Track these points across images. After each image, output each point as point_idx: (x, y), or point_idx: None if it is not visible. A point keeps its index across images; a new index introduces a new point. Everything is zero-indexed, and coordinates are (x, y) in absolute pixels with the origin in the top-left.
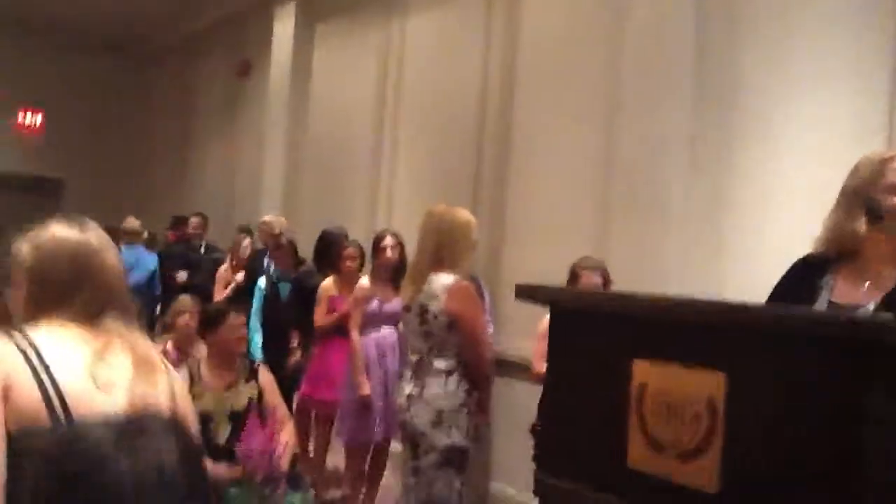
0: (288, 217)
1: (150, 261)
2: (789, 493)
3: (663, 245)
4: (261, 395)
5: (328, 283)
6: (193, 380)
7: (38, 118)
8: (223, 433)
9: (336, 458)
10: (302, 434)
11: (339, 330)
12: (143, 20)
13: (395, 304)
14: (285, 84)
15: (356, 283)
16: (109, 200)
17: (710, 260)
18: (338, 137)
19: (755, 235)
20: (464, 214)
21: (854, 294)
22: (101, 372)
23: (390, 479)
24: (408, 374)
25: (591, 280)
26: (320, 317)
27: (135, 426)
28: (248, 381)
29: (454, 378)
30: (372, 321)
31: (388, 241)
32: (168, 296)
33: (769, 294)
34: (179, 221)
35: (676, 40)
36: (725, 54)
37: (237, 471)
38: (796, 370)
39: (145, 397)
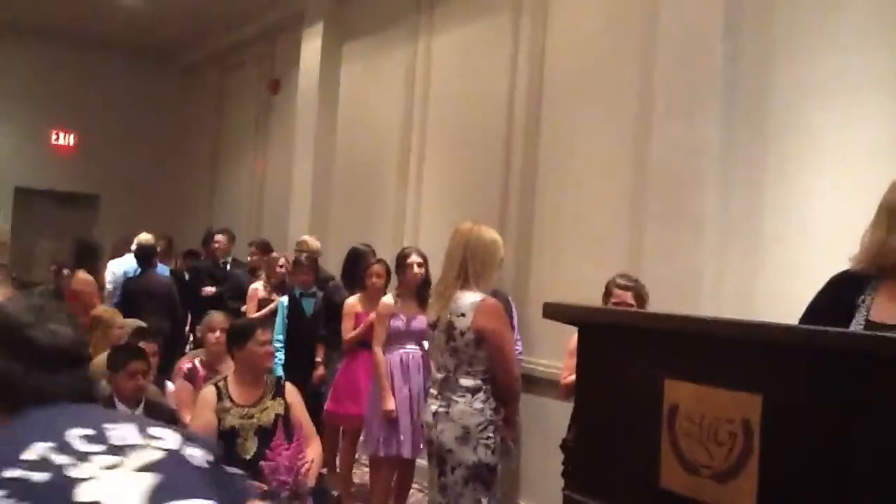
0: (315, 233)
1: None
2: None
3: (697, 259)
4: (287, 411)
5: (353, 299)
6: (221, 396)
7: (72, 137)
8: (250, 449)
9: (363, 474)
10: (328, 449)
11: (365, 345)
12: (174, 38)
13: (420, 321)
14: (313, 100)
15: (381, 299)
16: (143, 215)
17: (744, 274)
18: (365, 153)
19: (790, 249)
20: (490, 232)
21: (894, 312)
22: None
23: (417, 496)
24: (434, 391)
25: (623, 298)
26: (347, 331)
27: None
28: (274, 397)
29: (481, 395)
30: (397, 338)
31: (414, 258)
32: (196, 311)
33: (804, 312)
34: (208, 237)
35: (707, 51)
36: (757, 64)
37: (263, 487)
38: (834, 390)
39: None
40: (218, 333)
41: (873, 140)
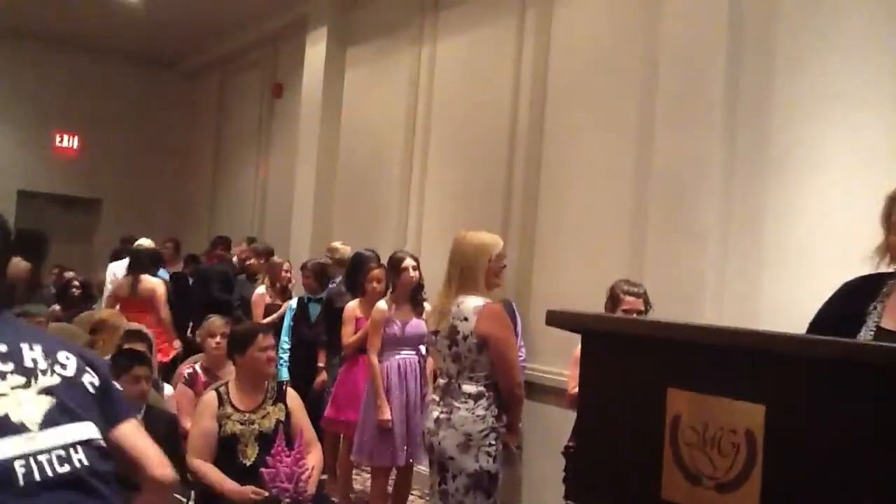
0: (318, 237)
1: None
2: None
3: (698, 267)
4: (288, 417)
5: (354, 304)
6: (222, 401)
7: (75, 140)
8: (251, 455)
9: (363, 480)
10: (328, 455)
11: (365, 351)
12: (178, 42)
13: (416, 325)
14: (317, 105)
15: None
16: (145, 219)
17: (745, 282)
18: (368, 158)
19: (792, 258)
20: (477, 237)
21: None
22: None
23: (418, 502)
24: (436, 397)
25: (635, 306)
26: (347, 337)
27: None
28: (275, 402)
29: (483, 402)
30: (394, 344)
31: (409, 261)
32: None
33: (813, 319)
34: (216, 243)
35: (710, 61)
36: (759, 75)
37: (263, 493)
38: (839, 400)
39: None
40: (218, 339)
41: (874, 150)
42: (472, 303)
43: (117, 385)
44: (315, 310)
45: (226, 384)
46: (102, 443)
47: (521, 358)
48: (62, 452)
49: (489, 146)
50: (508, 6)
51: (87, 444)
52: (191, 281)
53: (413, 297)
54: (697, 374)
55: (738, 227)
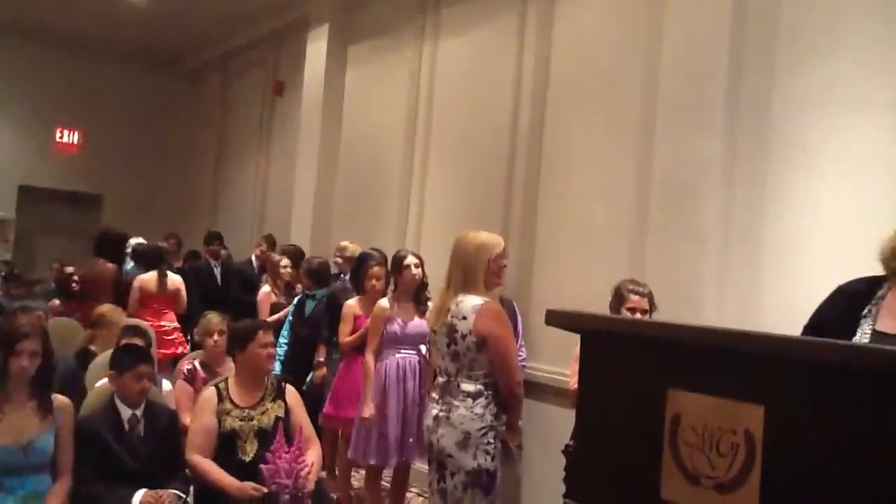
0: (318, 235)
1: None
2: None
3: (699, 267)
4: (288, 413)
5: (353, 302)
6: (221, 397)
7: (76, 136)
8: (250, 451)
9: (362, 477)
10: (327, 452)
11: (364, 348)
12: (180, 40)
13: (418, 325)
14: (318, 104)
15: (377, 303)
16: (146, 215)
17: (746, 284)
18: (369, 157)
19: (792, 259)
20: (479, 236)
21: None
22: None
23: (417, 500)
24: (435, 395)
25: (640, 305)
26: (344, 335)
27: None
28: (275, 399)
29: (482, 400)
30: (394, 342)
31: (411, 259)
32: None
33: (808, 321)
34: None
35: (712, 61)
36: (760, 77)
37: (263, 489)
38: (837, 402)
39: None
40: (216, 336)
41: (875, 153)
42: (470, 302)
43: None
44: (310, 306)
45: (225, 380)
46: None
47: (522, 357)
48: None
49: (490, 145)
50: (510, 6)
51: None
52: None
53: (416, 296)
54: (697, 374)
55: (739, 229)
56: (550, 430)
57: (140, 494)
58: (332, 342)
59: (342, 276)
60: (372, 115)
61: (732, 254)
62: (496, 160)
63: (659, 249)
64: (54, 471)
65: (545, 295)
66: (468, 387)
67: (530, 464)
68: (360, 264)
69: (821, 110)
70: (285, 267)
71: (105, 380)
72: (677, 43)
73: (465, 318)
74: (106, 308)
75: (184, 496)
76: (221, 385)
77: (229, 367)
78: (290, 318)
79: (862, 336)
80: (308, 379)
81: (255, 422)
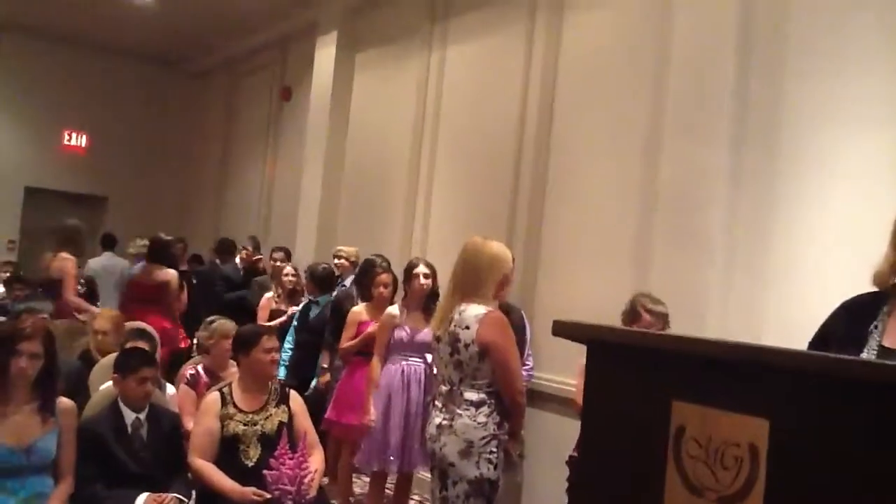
0: (323, 240)
1: None
2: None
3: (704, 277)
4: (291, 419)
5: (359, 308)
6: (225, 402)
7: (83, 139)
8: (253, 456)
9: (363, 483)
10: (329, 458)
11: (368, 354)
12: (187, 43)
13: (426, 333)
14: (325, 110)
15: (386, 309)
16: (151, 217)
17: (751, 294)
18: (375, 164)
19: (798, 270)
20: (493, 247)
21: None
22: None
23: None
24: (438, 403)
25: (655, 328)
26: (346, 340)
27: None
28: (278, 404)
29: (485, 409)
30: (400, 349)
31: (421, 268)
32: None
33: (813, 337)
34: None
35: (719, 71)
36: (768, 85)
37: (265, 495)
38: (843, 417)
39: None
40: (228, 342)
41: (883, 162)
42: (474, 311)
43: None
44: (314, 312)
45: (229, 385)
46: None
47: (529, 367)
48: None
49: (496, 153)
50: (518, 14)
51: None
52: (195, 280)
53: (426, 305)
54: (702, 387)
55: (745, 240)
56: (553, 439)
57: (142, 498)
58: (335, 348)
59: (340, 280)
60: (379, 121)
61: (738, 265)
62: (502, 168)
63: (664, 259)
64: (56, 473)
65: (549, 303)
66: (471, 395)
67: (533, 473)
68: (365, 271)
69: (829, 121)
70: (287, 275)
71: (109, 383)
72: (685, 52)
73: (468, 327)
74: (109, 311)
75: (186, 500)
76: (225, 389)
77: (232, 371)
78: (295, 323)
79: (869, 352)
80: (312, 385)
81: (258, 427)
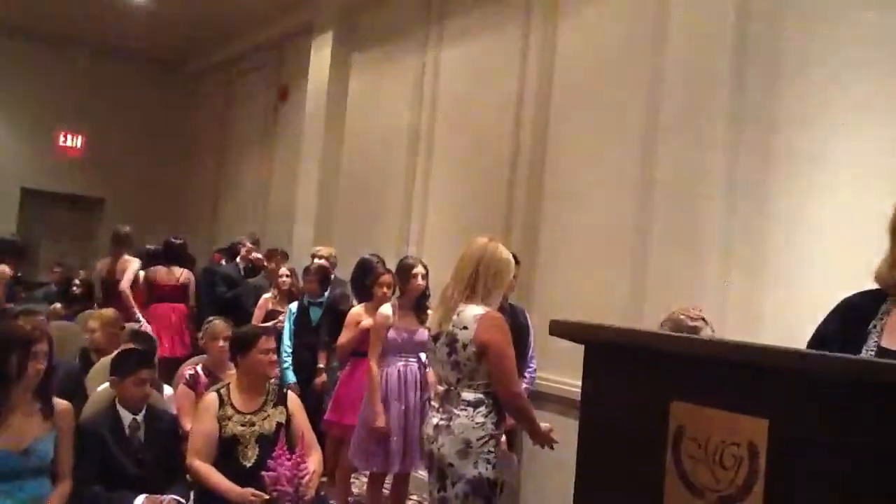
0: (320, 240)
1: None
2: None
3: (701, 277)
4: (289, 419)
5: (359, 308)
6: (222, 402)
7: (79, 140)
8: (251, 457)
9: (361, 484)
10: (327, 459)
11: (359, 354)
12: (184, 43)
13: (420, 333)
14: (321, 110)
15: (378, 310)
16: (148, 218)
17: (748, 293)
18: (372, 164)
19: (795, 269)
20: (505, 251)
21: None
22: None
23: None
24: (436, 404)
25: None
26: (343, 339)
27: None
28: (276, 405)
29: (482, 409)
30: (396, 349)
31: (419, 269)
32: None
33: (812, 336)
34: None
35: (715, 72)
36: (764, 86)
37: (263, 496)
38: (842, 417)
39: None
40: (221, 342)
41: (880, 163)
42: (472, 311)
43: None
44: (316, 314)
45: (227, 385)
46: None
47: (532, 369)
48: None
49: (493, 152)
50: (514, 15)
51: None
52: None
53: (417, 304)
54: (701, 387)
55: (741, 240)
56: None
57: (140, 499)
58: (331, 349)
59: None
60: (375, 121)
61: (734, 264)
62: (499, 167)
63: (661, 259)
64: (54, 475)
65: (546, 303)
66: (468, 395)
67: (533, 476)
68: (365, 271)
69: (824, 121)
70: (281, 276)
71: (107, 384)
72: (680, 53)
73: (465, 327)
74: (107, 311)
75: (184, 501)
76: (223, 390)
77: (231, 373)
78: (292, 325)
79: (867, 351)
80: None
81: (256, 427)
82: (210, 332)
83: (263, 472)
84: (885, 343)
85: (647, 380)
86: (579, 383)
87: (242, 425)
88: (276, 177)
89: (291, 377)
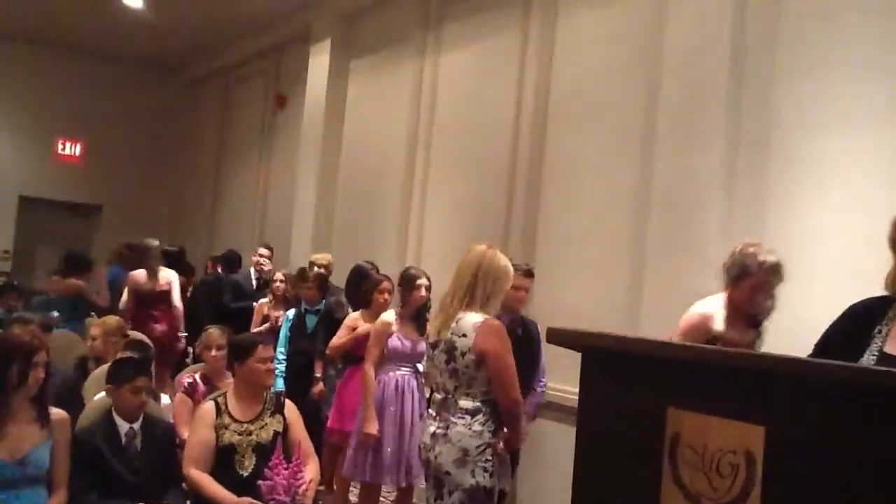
0: (318, 247)
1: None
2: None
3: (698, 284)
4: (286, 428)
5: (356, 315)
6: (219, 411)
7: (77, 147)
8: (248, 466)
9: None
10: (327, 467)
11: (355, 359)
12: (182, 50)
13: (423, 345)
14: (319, 116)
15: (380, 316)
16: (144, 225)
17: None
18: (370, 170)
19: (793, 276)
20: (503, 259)
21: None
22: None
23: None
24: (433, 412)
25: (772, 283)
26: (337, 340)
27: None
28: (273, 413)
29: (480, 417)
30: (395, 359)
31: (424, 280)
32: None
33: (818, 340)
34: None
35: (712, 78)
36: (762, 92)
37: None
38: (839, 424)
39: None
40: (213, 351)
41: (877, 168)
42: (471, 319)
43: None
44: (312, 321)
45: (224, 394)
46: None
47: (542, 383)
48: None
49: (490, 160)
50: (512, 20)
51: None
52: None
53: (419, 315)
54: (697, 393)
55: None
56: (547, 448)
57: None
58: (328, 358)
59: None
60: (373, 128)
61: None
62: (497, 174)
63: (657, 265)
64: (50, 484)
65: (543, 311)
66: (466, 403)
67: (529, 482)
68: (360, 278)
69: (821, 125)
70: (275, 281)
71: (103, 393)
72: (678, 58)
73: (464, 335)
74: (109, 319)
75: None
76: (220, 399)
77: (230, 381)
78: (288, 332)
79: (869, 356)
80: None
81: (253, 436)
82: (204, 341)
83: (260, 482)
84: (889, 348)
85: (643, 386)
86: (577, 390)
87: (239, 434)
88: (275, 183)
89: (280, 385)
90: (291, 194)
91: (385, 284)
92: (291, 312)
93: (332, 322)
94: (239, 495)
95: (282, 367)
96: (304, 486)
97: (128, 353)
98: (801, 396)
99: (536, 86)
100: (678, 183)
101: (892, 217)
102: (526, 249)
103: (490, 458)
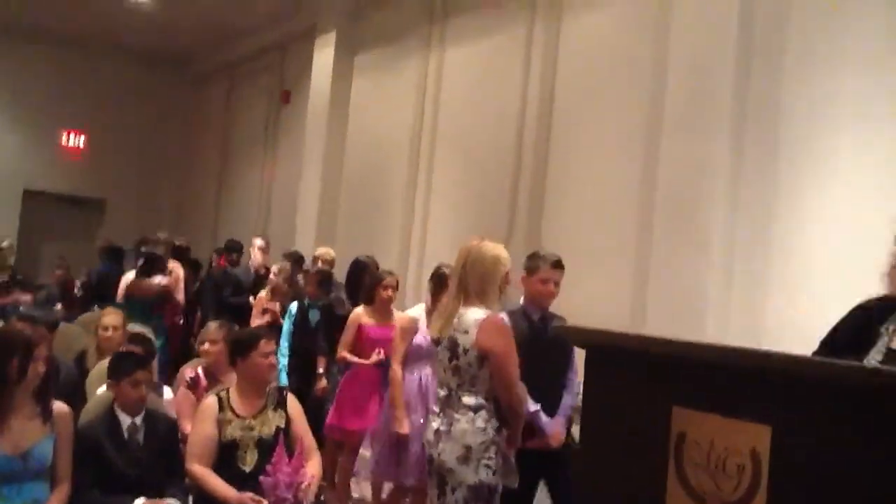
0: (322, 242)
1: None
2: None
3: (703, 277)
4: (289, 423)
5: (359, 310)
6: (222, 406)
7: (81, 140)
8: (250, 461)
9: (361, 489)
10: (328, 463)
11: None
12: (187, 45)
13: None
14: (324, 112)
15: (389, 313)
16: (148, 221)
17: (751, 294)
18: (374, 166)
19: (798, 270)
20: (493, 248)
21: None
22: None
23: None
24: (436, 409)
25: None
26: (346, 344)
27: None
28: (276, 409)
29: (483, 414)
30: (417, 357)
31: None
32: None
33: (825, 337)
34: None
35: (718, 71)
36: (768, 85)
37: (262, 501)
38: (845, 423)
39: None
40: (207, 345)
41: (884, 161)
42: (472, 315)
43: None
44: (315, 316)
45: (227, 389)
46: None
47: (577, 383)
48: None
49: (495, 154)
50: (517, 16)
51: None
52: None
53: None
54: (703, 392)
55: (745, 239)
56: None
57: (139, 503)
58: (330, 354)
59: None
60: (378, 123)
61: (737, 263)
62: (502, 169)
63: (663, 259)
64: (53, 479)
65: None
66: (469, 400)
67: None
68: (360, 273)
69: (829, 118)
70: (272, 273)
71: (104, 387)
72: (684, 52)
73: (466, 332)
74: (108, 313)
75: None
76: (223, 394)
77: (232, 376)
78: (290, 327)
79: (876, 354)
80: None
81: (255, 432)
82: (200, 336)
83: (262, 478)
84: None
85: (648, 385)
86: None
87: (242, 429)
88: (279, 179)
89: (284, 380)
90: (296, 189)
91: (389, 280)
92: (294, 306)
93: (334, 318)
94: (241, 490)
95: (284, 361)
96: (306, 482)
97: (130, 348)
98: (808, 396)
99: (541, 80)
100: (684, 177)
101: None
102: (530, 244)
103: (493, 455)
